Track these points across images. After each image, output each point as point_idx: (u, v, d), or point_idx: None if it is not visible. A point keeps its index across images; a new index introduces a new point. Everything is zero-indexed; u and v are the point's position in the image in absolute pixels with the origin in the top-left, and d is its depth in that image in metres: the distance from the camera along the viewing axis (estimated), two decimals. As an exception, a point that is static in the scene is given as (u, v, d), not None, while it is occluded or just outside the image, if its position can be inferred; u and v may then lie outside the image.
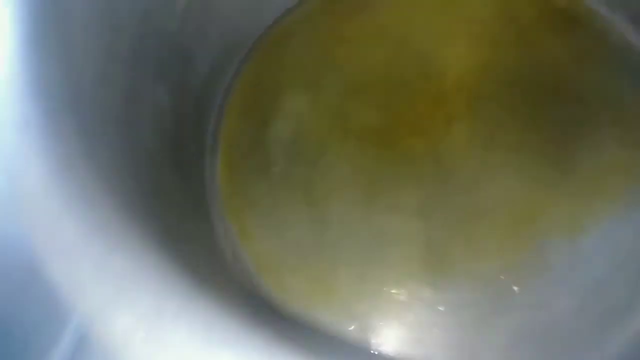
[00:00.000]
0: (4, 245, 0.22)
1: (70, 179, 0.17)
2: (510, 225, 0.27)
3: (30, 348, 0.22)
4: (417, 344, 0.26)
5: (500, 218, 0.27)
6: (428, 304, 0.27)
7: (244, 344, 0.15)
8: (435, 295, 0.27)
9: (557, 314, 0.26)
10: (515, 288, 0.26)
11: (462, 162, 0.28)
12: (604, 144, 0.28)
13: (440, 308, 0.27)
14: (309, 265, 0.28)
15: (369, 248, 0.28)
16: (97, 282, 0.16)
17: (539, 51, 0.29)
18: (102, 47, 0.22)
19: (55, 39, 0.19)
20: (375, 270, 0.28)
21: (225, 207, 0.29)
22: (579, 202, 0.27)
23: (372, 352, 0.27)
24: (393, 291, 0.27)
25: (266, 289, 0.28)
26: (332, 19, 0.32)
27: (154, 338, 0.15)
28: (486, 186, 0.28)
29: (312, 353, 0.15)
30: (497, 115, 0.29)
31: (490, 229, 0.27)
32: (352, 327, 0.27)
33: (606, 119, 0.28)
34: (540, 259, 0.27)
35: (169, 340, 0.15)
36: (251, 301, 0.27)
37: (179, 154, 0.28)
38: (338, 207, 0.29)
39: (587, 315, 0.26)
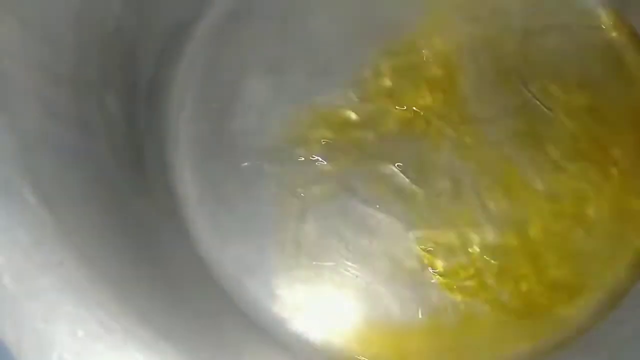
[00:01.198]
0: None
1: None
2: (488, 200, 0.27)
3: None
4: (407, 332, 0.27)
5: (478, 194, 0.27)
6: (416, 288, 0.27)
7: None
8: (421, 279, 0.27)
9: (539, 286, 0.27)
10: (496, 263, 0.27)
11: (440, 140, 0.28)
12: (577, 113, 0.28)
13: (428, 291, 0.27)
14: (292, 265, 0.27)
15: (351, 239, 0.27)
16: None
17: (512, 20, 0.28)
18: (45, 71, 0.19)
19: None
20: (360, 263, 0.27)
21: (198, 213, 0.28)
22: (555, 172, 0.28)
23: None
24: (380, 282, 0.27)
25: (251, 295, 0.27)
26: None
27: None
28: (464, 162, 0.28)
29: None
30: (472, 87, 0.28)
31: (469, 206, 0.27)
32: (340, 324, 0.27)
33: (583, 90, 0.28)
34: (519, 233, 0.27)
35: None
36: (235, 309, 0.26)
37: (139, 164, 0.25)
38: (315, 202, 0.28)
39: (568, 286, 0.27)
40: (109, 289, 0.16)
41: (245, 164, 0.28)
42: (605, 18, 0.29)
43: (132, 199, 0.23)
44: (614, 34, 0.29)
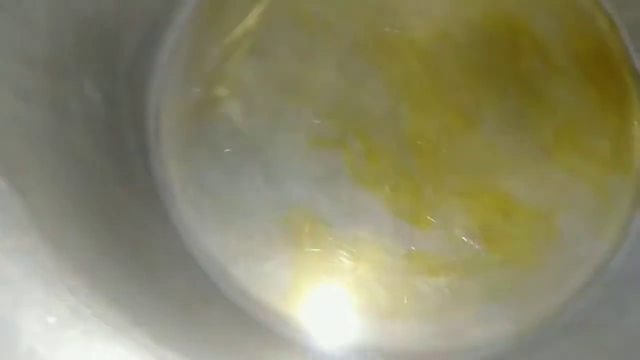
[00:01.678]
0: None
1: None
2: (474, 188, 0.27)
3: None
4: (393, 315, 0.27)
5: (463, 182, 0.27)
6: (401, 274, 0.27)
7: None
8: (407, 266, 0.27)
9: (523, 270, 0.27)
10: (483, 249, 0.27)
11: (424, 128, 0.27)
12: (559, 101, 0.28)
13: (413, 277, 0.27)
14: (278, 251, 0.27)
15: (338, 225, 0.27)
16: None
17: (494, 3, 0.28)
18: (16, 51, 0.18)
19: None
20: (345, 248, 0.27)
21: (181, 202, 0.27)
22: (537, 159, 0.27)
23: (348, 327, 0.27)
24: (366, 266, 0.27)
25: (237, 283, 0.27)
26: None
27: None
28: (449, 151, 0.27)
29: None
30: (456, 74, 0.28)
31: (454, 194, 0.27)
32: (328, 308, 0.27)
33: (562, 76, 0.28)
34: (505, 218, 0.27)
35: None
36: (220, 300, 0.26)
37: (119, 154, 0.25)
38: (300, 186, 0.27)
39: (549, 270, 0.27)
40: (83, 275, 0.16)
41: (228, 150, 0.28)
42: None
43: (111, 185, 0.22)
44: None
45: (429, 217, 0.27)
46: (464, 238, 0.27)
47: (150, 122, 0.27)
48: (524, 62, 0.28)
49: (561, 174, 0.27)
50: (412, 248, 0.27)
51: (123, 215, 0.23)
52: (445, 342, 0.26)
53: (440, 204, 0.27)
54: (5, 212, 0.14)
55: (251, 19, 0.29)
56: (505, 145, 0.27)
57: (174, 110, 0.28)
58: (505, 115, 0.28)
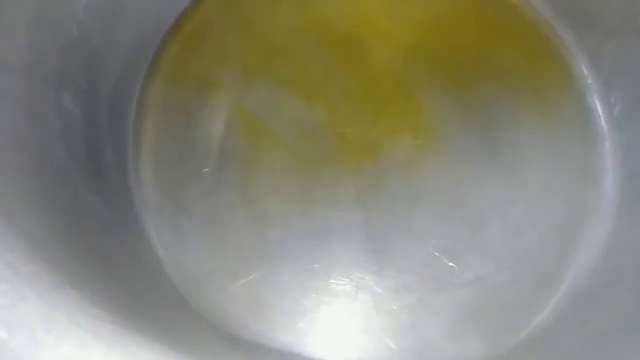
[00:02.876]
0: None
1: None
2: (444, 206, 0.28)
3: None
4: (365, 331, 0.27)
5: (433, 200, 0.28)
6: (373, 291, 0.27)
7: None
8: (379, 282, 0.27)
9: (493, 287, 0.27)
10: (454, 266, 0.27)
11: (395, 148, 0.28)
12: (524, 119, 0.29)
13: (385, 293, 0.27)
14: (252, 268, 0.27)
15: (312, 243, 0.28)
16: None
17: (458, 30, 0.30)
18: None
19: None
20: (320, 265, 0.28)
21: (158, 217, 0.28)
22: (506, 176, 0.28)
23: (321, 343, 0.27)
24: (339, 283, 0.27)
25: (211, 299, 0.27)
26: (250, 6, 0.30)
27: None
28: (419, 170, 0.28)
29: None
30: (424, 99, 0.29)
31: (425, 213, 0.28)
32: (302, 323, 0.27)
33: (525, 94, 0.29)
34: (476, 236, 0.28)
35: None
36: (194, 318, 0.26)
37: (97, 166, 0.26)
38: (277, 205, 0.28)
39: (519, 286, 0.27)
40: (49, 275, 0.16)
41: (206, 169, 0.29)
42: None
43: (86, 196, 0.23)
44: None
45: (400, 234, 0.28)
46: (436, 253, 0.28)
47: (129, 139, 0.28)
48: (489, 86, 0.29)
49: (529, 191, 0.28)
50: (384, 264, 0.27)
51: (97, 227, 0.23)
52: (416, 359, 0.26)
53: (412, 222, 0.28)
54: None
55: (233, 47, 0.30)
56: (473, 164, 0.28)
57: (154, 130, 0.29)
58: (472, 136, 0.29)
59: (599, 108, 0.29)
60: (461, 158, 0.29)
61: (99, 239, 0.22)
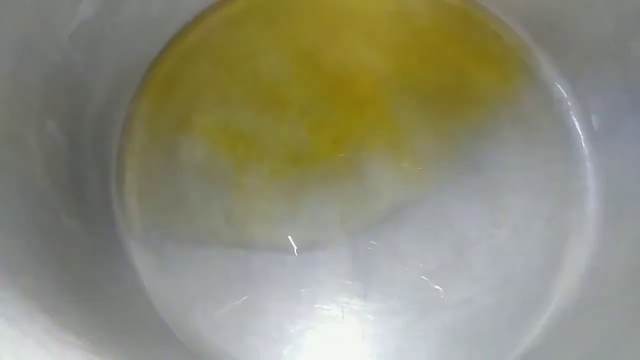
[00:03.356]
0: None
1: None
2: (428, 230, 0.28)
3: None
4: (351, 357, 0.27)
5: (419, 224, 0.28)
6: (360, 315, 0.27)
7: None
8: (365, 306, 0.27)
9: (479, 310, 0.27)
10: (440, 289, 0.27)
11: (379, 172, 0.29)
12: (506, 141, 0.29)
13: (372, 318, 0.27)
14: (236, 294, 0.27)
15: (297, 268, 0.28)
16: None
17: (439, 55, 0.30)
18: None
19: None
20: (306, 289, 0.27)
21: (141, 242, 0.28)
22: (489, 199, 0.28)
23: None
24: (325, 307, 0.27)
25: (193, 326, 0.27)
26: (234, 34, 0.30)
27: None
28: (403, 193, 0.28)
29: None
30: (407, 123, 0.29)
31: (410, 237, 0.28)
32: (286, 350, 0.27)
33: (506, 117, 0.29)
34: (460, 258, 0.28)
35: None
36: (175, 345, 0.26)
37: (80, 192, 0.26)
38: (261, 228, 0.28)
39: (505, 309, 0.27)
40: (33, 303, 0.16)
41: (191, 193, 0.29)
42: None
43: (68, 221, 0.23)
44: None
45: (385, 257, 0.28)
46: (422, 277, 0.27)
47: (113, 164, 0.28)
48: (471, 110, 0.30)
49: (513, 213, 0.28)
50: (370, 288, 0.27)
51: (78, 252, 0.23)
52: (404, 384, 0.26)
53: (397, 245, 0.28)
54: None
55: (214, 74, 0.31)
56: (457, 187, 0.28)
57: (139, 156, 0.29)
58: (455, 160, 0.29)
59: (579, 130, 0.29)
60: (445, 181, 0.29)
61: (80, 264, 0.22)
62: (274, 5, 0.31)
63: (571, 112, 0.29)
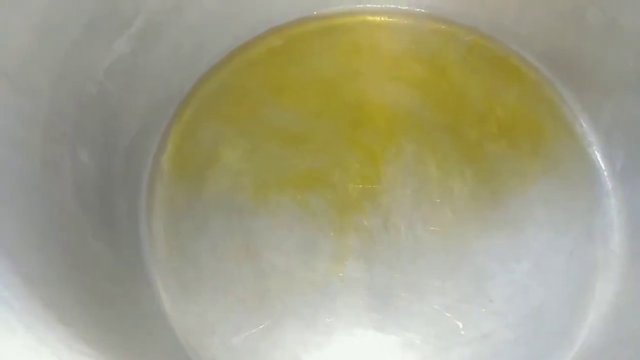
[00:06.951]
0: None
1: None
2: (448, 262, 0.28)
3: None
4: (367, 390, 0.26)
5: (438, 257, 0.28)
6: (377, 347, 0.27)
7: None
8: (383, 338, 0.27)
9: (499, 344, 0.26)
10: (459, 324, 0.27)
11: (398, 205, 0.29)
12: (528, 175, 0.29)
13: (389, 351, 0.27)
14: (254, 322, 0.27)
15: (314, 297, 0.28)
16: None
17: (461, 89, 0.31)
18: (15, 111, 0.21)
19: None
20: (322, 320, 0.27)
21: (164, 268, 0.28)
22: (511, 233, 0.28)
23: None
24: (341, 339, 0.27)
25: (210, 351, 0.27)
26: (261, 72, 0.32)
27: None
28: (423, 226, 0.28)
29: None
30: (430, 155, 0.29)
31: (429, 269, 0.28)
32: (302, 381, 0.27)
33: (528, 149, 0.29)
34: (480, 292, 0.27)
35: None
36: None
37: (108, 216, 0.27)
38: (280, 258, 0.28)
39: (526, 344, 0.26)
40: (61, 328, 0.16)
41: (215, 222, 0.30)
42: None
43: (94, 243, 0.24)
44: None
45: (404, 289, 0.28)
46: (440, 310, 0.27)
47: (143, 193, 0.30)
48: (493, 144, 0.30)
49: (534, 247, 0.28)
50: (387, 321, 0.27)
51: (103, 272, 0.24)
52: (419, 419, 0.25)
53: (416, 277, 0.28)
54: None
55: (241, 110, 0.32)
56: (477, 220, 0.28)
57: (167, 186, 0.30)
58: (476, 192, 0.29)
59: (602, 165, 0.29)
60: (466, 213, 0.29)
61: (102, 283, 0.23)
62: (294, 47, 0.32)
63: (594, 147, 0.29)
